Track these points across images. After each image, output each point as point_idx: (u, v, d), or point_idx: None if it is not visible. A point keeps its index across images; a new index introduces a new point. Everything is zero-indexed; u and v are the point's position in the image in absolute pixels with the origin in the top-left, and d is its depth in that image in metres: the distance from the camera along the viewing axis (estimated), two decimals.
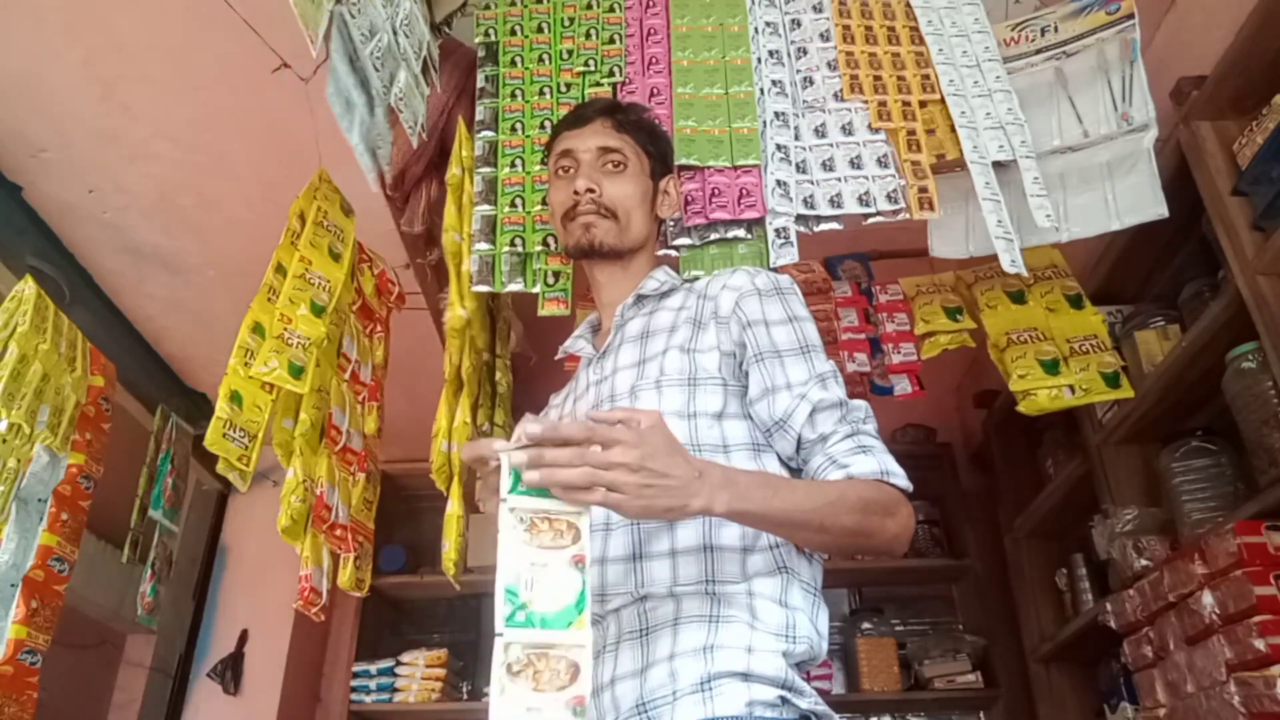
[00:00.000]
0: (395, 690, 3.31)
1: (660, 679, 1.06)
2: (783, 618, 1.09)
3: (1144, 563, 2.16)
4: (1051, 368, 1.84)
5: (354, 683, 3.33)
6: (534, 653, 0.79)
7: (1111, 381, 1.84)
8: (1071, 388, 1.84)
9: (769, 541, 1.13)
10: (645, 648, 1.09)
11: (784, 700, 1.04)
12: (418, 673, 3.31)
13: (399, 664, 3.35)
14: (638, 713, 1.06)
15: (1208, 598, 1.76)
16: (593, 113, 1.42)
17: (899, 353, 2.01)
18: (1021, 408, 1.86)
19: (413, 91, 1.53)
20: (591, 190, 1.33)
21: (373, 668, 3.35)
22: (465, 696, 3.43)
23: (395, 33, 1.47)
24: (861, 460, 1.11)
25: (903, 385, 2.01)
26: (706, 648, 1.06)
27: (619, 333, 1.32)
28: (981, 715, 3.49)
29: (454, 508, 1.74)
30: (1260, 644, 1.61)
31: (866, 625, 3.44)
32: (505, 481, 0.90)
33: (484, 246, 1.67)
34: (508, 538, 0.86)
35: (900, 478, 1.12)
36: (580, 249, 1.36)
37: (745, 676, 1.05)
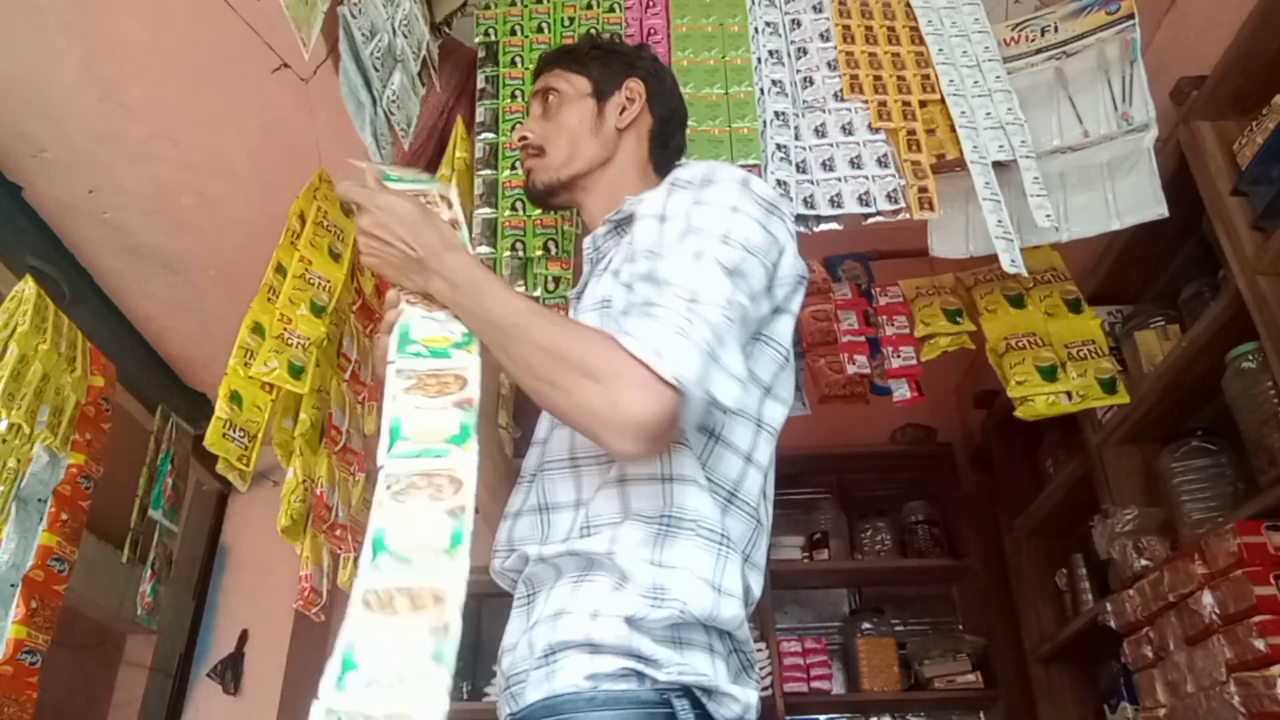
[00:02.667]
0: None
1: (523, 652, 0.98)
2: (651, 577, 0.94)
3: (1144, 563, 2.16)
4: (1049, 374, 1.85)
5: None
6: (417, 477, 0.83)
7: (1108, 387, 1.85)
8: (1069, 394, 1.84)
9: (653, 473, 0.97)
10: (525, 618, 1.01)
11: (633, 672, 0.91)
12: None
13: None
14: (507, 687, 0.99)
15: (1208, 598, 1.76)
16: (537, 72, 1.39)
17: (899, 356, 2.01)
18: (1019, 413, 1.87)
19: (407, 94, 1.53)
20: (523, 138, 1.31)
21: None
22: (465, 697, 3.42)
23: (394, 33, 1.48)
24: (629, 321, 0.92)
25: (902, 391, 2.01)
26: (556, 614, 0.96)
27: (589, 267, 1.24)
28: (981, 715, 3.49)
29: None
30: (1260, 644, 1.61)
31: (866, 625, 3.44)
32: (393, 345, 0.97)
33: (485, 250, 1.67)
34: (392, 393, 0.91)
35: (643, 348, 0.87)
36: (530, 198, 1.35)
37: (589, 646, 0.92)
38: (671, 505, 0.97)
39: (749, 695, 0.96)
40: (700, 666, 0.93)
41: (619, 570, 0.94)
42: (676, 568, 0.94)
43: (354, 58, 1.38)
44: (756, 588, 1.03)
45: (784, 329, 1.09)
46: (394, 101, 1.49)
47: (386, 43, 1.45)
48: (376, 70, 1.43)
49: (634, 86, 1.32)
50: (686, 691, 0.91)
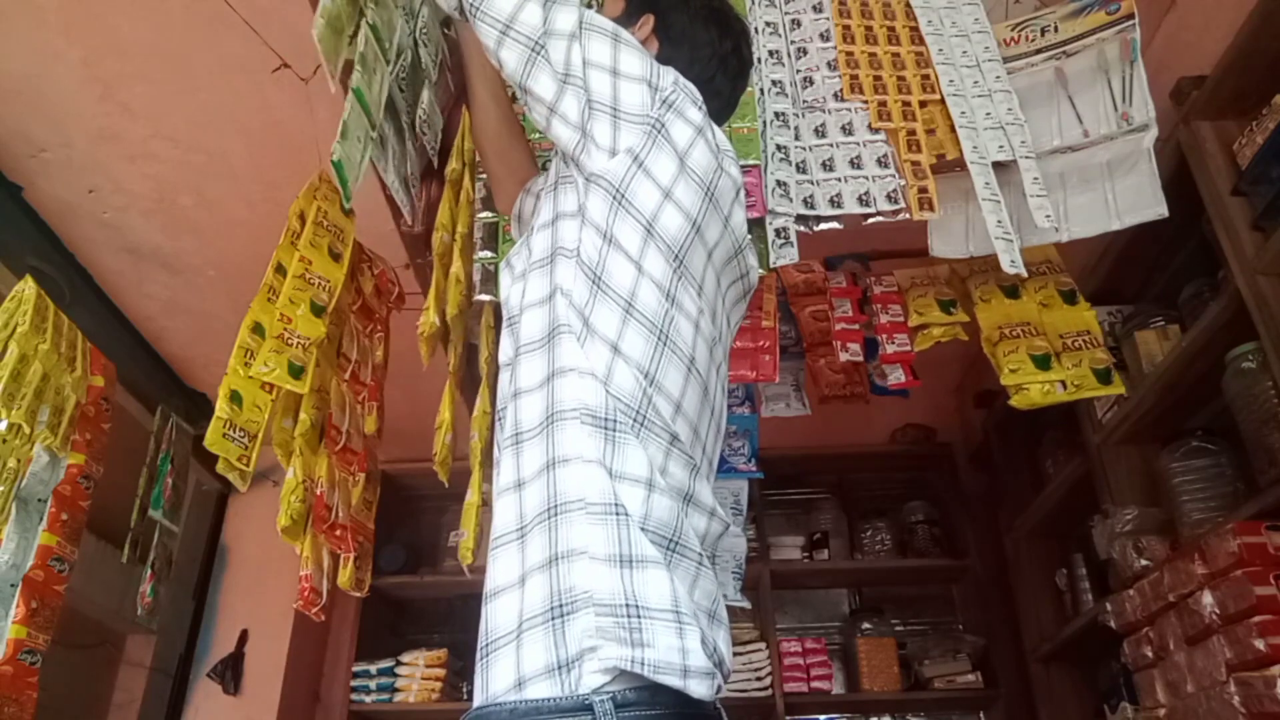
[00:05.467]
0: (395, 690, 3.31)
1: (481, 631, 0.84)
2: (541, 497, 0.81)
3: (1144, 563, 2.16)
4: (1043, 363, 1.84)
5: (354, 683, 3.33)
6: None
7: (1103, 377, 1.83)
8: (1063, 383, 1.82)
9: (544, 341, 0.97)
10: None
11: (562, 666, 0.71)
12: (418, 673, 3.31)
13: (399, 664, 3.35)
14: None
15: (1208, 598, 1.76)
16: None
17: (893, 343, 1.99)
18: (1014, 402, 1.85)
19: (434, 110, 1.52)
20: None
21: (373, 668, 3.34)
22: (465, 697, 3.42)
23: (416, 45, 1.46)
24: None
25: (896, 375, 1.99)
26: (490, 594, 0.81)
27: None
28: (981, 715, 3.49)
29: (473, 497, 1.76)
30: (1260, 644, 1.61)
31: (866, 625, 3.44)
32: None
33: (486, 254, 1.65)
34: None
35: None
36: None
37: (517, 635, 0.76)
38: (559, 399, 0.97)
39: None
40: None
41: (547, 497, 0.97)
42: (588, 480, 0.92)
43: (378, 102, 1.33)
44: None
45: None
46: (424, 120, 1.48)
47: (410, 60, 1.43)
48: (403, 91, 1.40)
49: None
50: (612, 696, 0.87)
